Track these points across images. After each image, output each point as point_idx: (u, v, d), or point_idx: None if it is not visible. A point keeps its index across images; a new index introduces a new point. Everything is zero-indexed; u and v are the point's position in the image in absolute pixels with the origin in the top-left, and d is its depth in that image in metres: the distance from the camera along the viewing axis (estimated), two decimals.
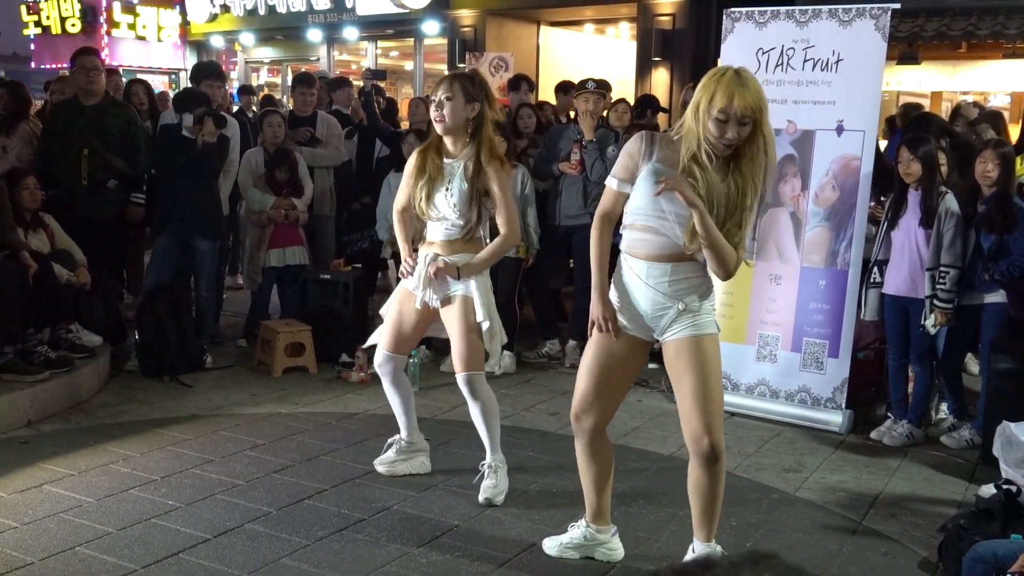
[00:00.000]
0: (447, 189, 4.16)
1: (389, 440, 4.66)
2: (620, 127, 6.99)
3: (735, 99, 3.15)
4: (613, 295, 3.58)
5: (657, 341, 3.56)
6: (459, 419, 5.41)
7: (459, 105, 4.10)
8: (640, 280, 3.47)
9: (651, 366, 6.66)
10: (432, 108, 4.15)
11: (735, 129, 3.20)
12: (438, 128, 4.15)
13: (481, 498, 4.26)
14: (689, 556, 3.53)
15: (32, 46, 21.34)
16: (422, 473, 4.56)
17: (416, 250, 4.39)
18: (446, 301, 4.25)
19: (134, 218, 6.87)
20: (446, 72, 15.76)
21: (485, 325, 4.20)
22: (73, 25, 19.92)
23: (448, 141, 4.21)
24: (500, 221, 4.22)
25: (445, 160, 4.21)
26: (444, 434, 5.18)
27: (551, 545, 3.81)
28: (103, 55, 19.31)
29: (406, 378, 4.58)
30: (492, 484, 4.29)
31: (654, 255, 3.43)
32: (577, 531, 3.77)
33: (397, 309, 4.39)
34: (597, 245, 3.58)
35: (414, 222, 4.42)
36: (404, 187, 4.35)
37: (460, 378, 4.26)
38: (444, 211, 4.18)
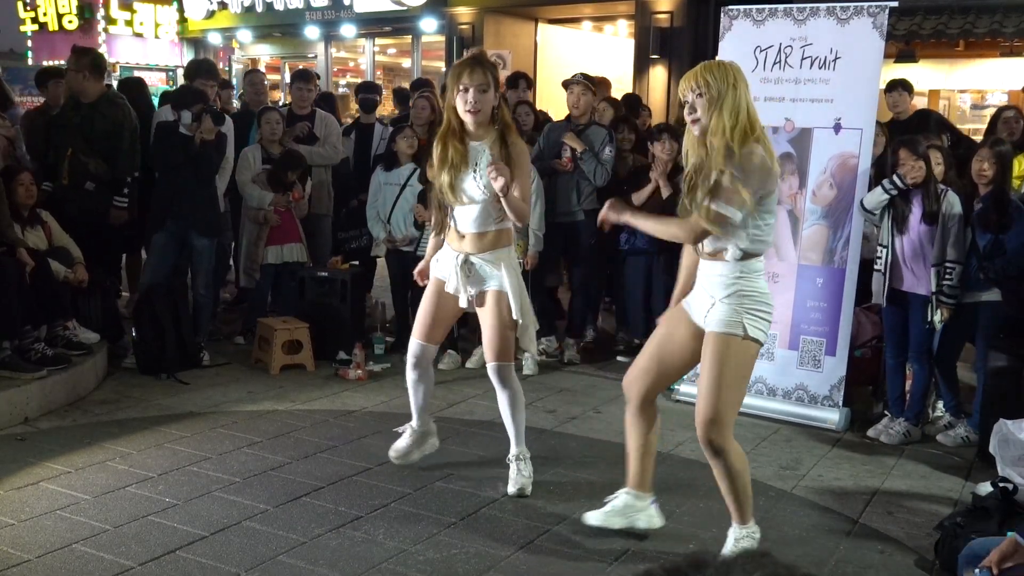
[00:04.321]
0: (475, 172, 4.14)
1: (400, 429, 4.70)
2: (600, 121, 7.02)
3: (682, 81, 3.61)
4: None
5: None
6: (457, 416, 5.42)
7: (491, 95, 4.10)
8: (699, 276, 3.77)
9: None
10: (465, 97, 4.07)
11: (690, 105, 3.58)
12: (471, 118, 4.11)
13: (512, 489, 4.32)
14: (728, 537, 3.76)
15: (29, 43, 21.29)
16: (432, 452, 4.70)
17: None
18: (480, 295, 4.28)
19: (116, 221, 6.76)
20: (443, 69, 15.78)
21: (519, 320, 4.23)
22: (70, 22, 19.87)
23: (473, 127, 4.17)
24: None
25: (470, 144, 4.17)
26: (442, 431, 5.16)
27: (594, 516, 3.96)
28: (100, 51, 19.34)
29: (432, 372, 4.60)
30: (518, 473, 4.36)
31: (703, 254, 3.70)
32: (618, 500, 3.95)
33: (433, 300, 4.40)
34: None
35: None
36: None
37: (491, 368, 4.32)
38: (473, 194, 4.16)
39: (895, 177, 5.14)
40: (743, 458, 3.72)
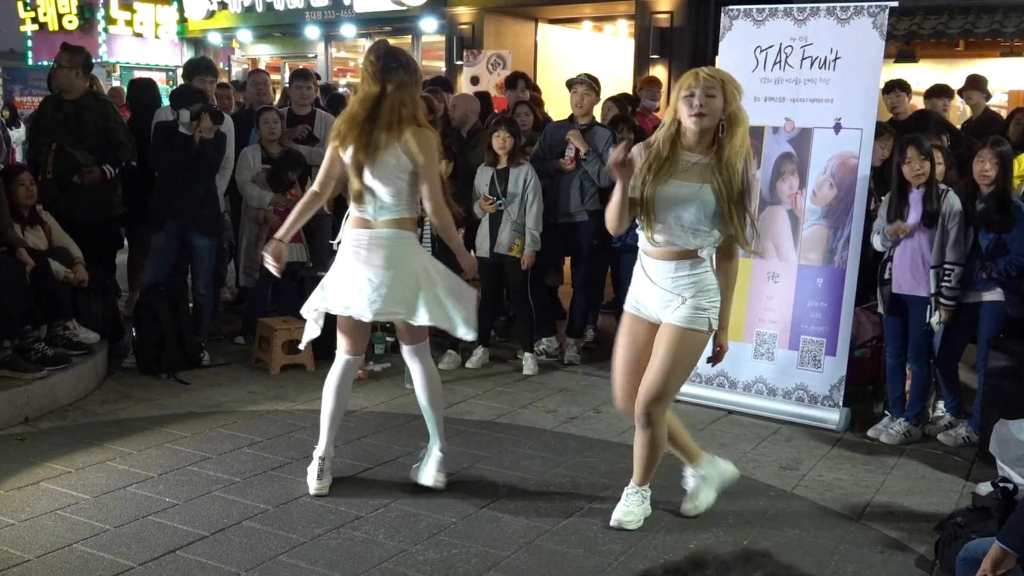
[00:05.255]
0: None
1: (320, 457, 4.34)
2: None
3: (698, 75, 3.72)
4: (633, 284, 4.00)
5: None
6: (457, 416, 5.41)
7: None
8: (647, 279, 3.88)
9: None
10: None
11: (700, 98, 3.66)
12: None
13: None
14: (625, 489, 4.10)
15: (29, 42, 21.31)
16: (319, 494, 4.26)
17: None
18: None
19: (87, 180, 6.62)
20: (443, 69, 15.79)
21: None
22: (70, 22, 19.90)
23: None
24: None
25: None
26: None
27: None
28: (100, 51, 19.37)
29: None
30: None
31: (661, 254, 3.83)
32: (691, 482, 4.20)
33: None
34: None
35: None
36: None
37: None
38: None
39: (885, 232, 5.26)
40: (666, 432, 4.00)
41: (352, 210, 4.24)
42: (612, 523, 4.03)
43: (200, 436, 4.99)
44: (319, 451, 4.32)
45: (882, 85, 6.30)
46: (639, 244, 3.95)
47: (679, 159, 3.75)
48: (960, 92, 8.01)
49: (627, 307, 4.01)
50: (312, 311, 4.30)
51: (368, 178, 4.14)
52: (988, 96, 7.93)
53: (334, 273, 4.26)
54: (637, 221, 3.86)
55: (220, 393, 5.80)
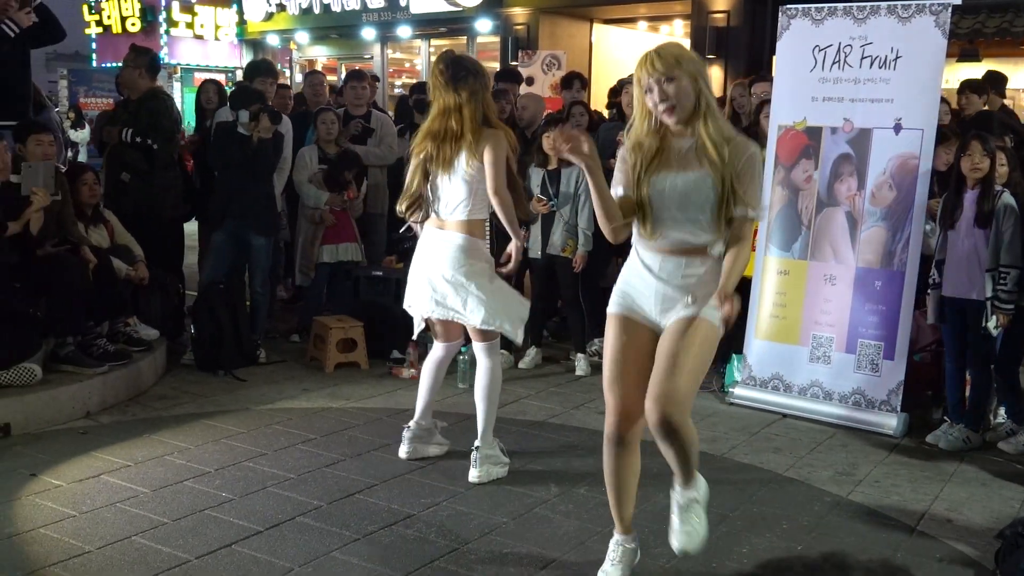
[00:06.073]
0: None
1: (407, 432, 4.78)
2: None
3: (646, 64, 3.27)
4: (622, 282, 3.47)
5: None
6: (509, 416, 5.42)
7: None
8: (651, 273, 3.37)
9: None
10: None
11: (660, 93, 3.25)
12: None
13: None
14: (673, 500, 3.51)
15: (94, 45, 21.79)
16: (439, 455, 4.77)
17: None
18: None
19: (108, 137, 6.79)
20: (498, 70, 15.81)
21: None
22: (133, 24, 20.30)
23: None
24: None
25: None
26: (495, 432, 5.17)
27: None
28: (162, 54, 19.74)
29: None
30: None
31: (668, 250, 3.35)
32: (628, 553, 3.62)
33: None
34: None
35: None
36: None
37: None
38: None
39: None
40: (694, 430, 3.42)
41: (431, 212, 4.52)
42: (676, 551, 3.55)
43: (256, 432, 5.06)
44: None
45: (949, 84, 6.18)
46: (635, 243, 3.45)
47: (671, 149, 3.32)
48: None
49: (616, 309, 3.44)
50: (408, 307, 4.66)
51: (443, 183, 4.41)
52: (1004, 96, 7.88)
53: (410, 271, 4.59)
54: (635, 227, 3.40)
55: (275, 390, 5.87)
